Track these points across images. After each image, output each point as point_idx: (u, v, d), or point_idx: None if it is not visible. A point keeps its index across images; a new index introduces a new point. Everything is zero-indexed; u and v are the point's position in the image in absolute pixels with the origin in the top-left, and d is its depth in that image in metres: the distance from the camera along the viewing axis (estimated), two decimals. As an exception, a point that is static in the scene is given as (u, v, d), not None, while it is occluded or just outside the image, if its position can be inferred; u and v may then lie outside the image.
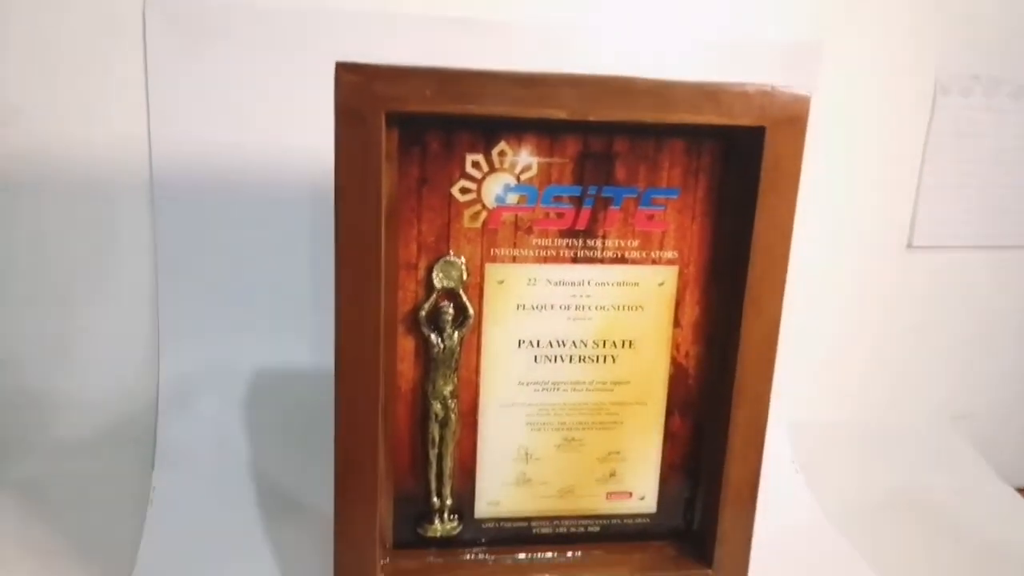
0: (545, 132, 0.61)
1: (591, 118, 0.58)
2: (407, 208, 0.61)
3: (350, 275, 0.59)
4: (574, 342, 0.66)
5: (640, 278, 0.65)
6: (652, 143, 0.63)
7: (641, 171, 0.63)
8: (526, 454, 0.68)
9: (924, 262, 1.04)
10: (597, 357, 0.67)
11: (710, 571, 0.70)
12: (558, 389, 0.67)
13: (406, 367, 0.65)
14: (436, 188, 0.61)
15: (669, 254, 0.65)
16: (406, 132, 0.60)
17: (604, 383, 0.68)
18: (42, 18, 0.81)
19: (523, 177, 0.62)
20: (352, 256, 0.59)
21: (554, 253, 0.64)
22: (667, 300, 0.66)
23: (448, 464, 0.67)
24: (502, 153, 0.61)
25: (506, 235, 0.63)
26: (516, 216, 0.63)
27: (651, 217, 0.64)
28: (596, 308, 0.66)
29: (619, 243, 0.64)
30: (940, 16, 0.97)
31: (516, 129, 0.61)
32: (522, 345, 0.66)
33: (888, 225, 1.03)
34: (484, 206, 0.62)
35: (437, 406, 0.65)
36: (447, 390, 0.65)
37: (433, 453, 0.67)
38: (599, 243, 0.64)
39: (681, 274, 0.66)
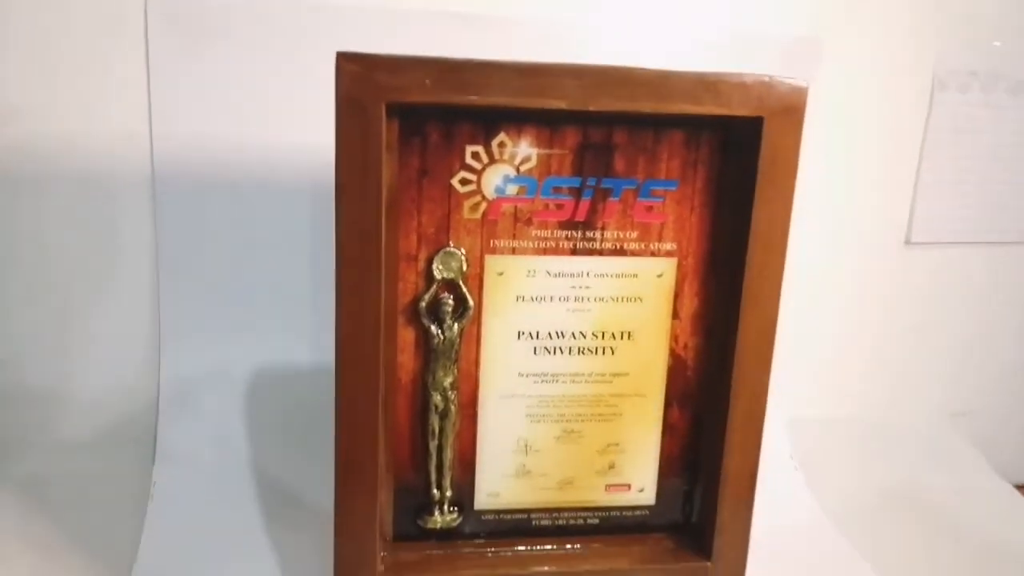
0: (544, 123, 0.61)
1: (591, 108, 0.59)
2: (407, 199, 0.62)
3: (351, 266, 0.59)
4: (573, 334, 0.66)
5: (639, 270, 0.66)
6: (651, 134, 0.63)
7: (640, 163, 0.63)
8: (525, 446, 0.68)
9: (922, 258, 1.04)
10: (596, 349, 0.67)
11: (709, 563, 0.70)
12: (557, 381, 0.67)
13: (406, 358, 0.65)
14: (436, 179, 0.62)
15: (668, 246, 0.66)
16: (406, 123, 0.60)
17: (603, 375, 0.68)
18: (46, 18, 0.82)
19: (523, 168, 0.62)
20: (353, 247, 0.59)
21: (553, 244, 0.64)
22: (666, 292, 0.67)
23: (448, 456, 0.67)
24: (502, 144, 0.61)
25: (506, 226, 0.63)
26: (516, 207, 0.63)
27: (650, 209, 0.64)
28: (595, 300, 0.66)
29: (618, 235, 0.65)
30: (938, 12, 0.97)
31: (516, 120, 0.61)
32: (521, 337, 0.66)
33: (886, 221, 1.03)
34: (484, 197, 0.62)
35: (437, 397, 0.65)
36: (447, 381, 0.65)
37: (433, 445, 0.67)
38: (598, 235, 0.64)
39: (680, 266, 0.66)
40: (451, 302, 0.64)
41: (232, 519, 0.79)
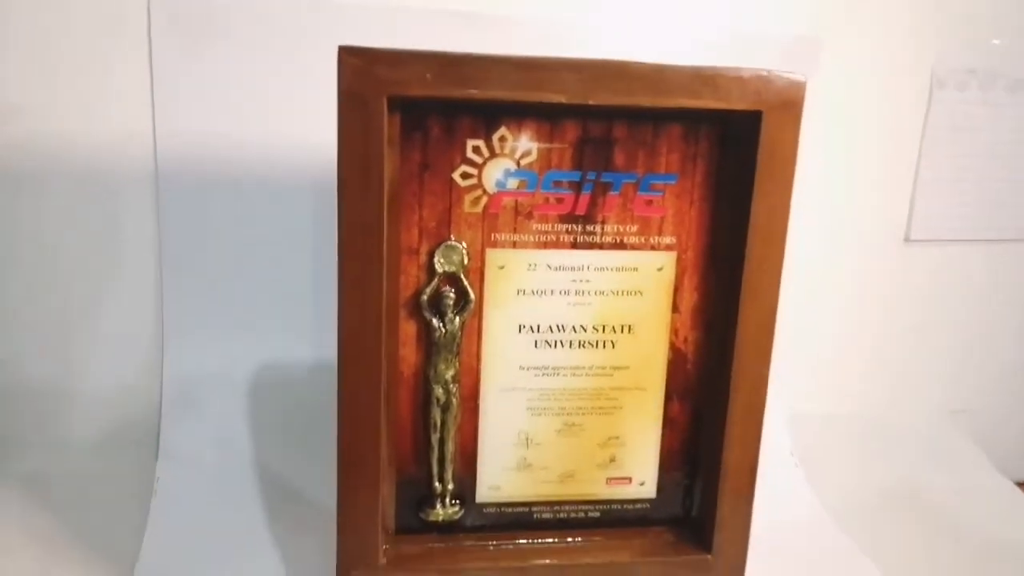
0: (545, 117, 0.62)
1: (590, 102, 0.59)
2: (409, 193, 0.62)
3: (353, 260, 0.60)
4: (574, 327, 0.67)
5: (639, 263, 0.66)
6: (650, 129, 0.63)
7: (640, 157, 0.64)
8: (527, 439, 0.69)
9: (921, 256, 1.05)
10: (596, 342, 0.67)
11: (709, 557, 0.70)
12: (558, 374, 0.68)
13: (408, 352, 0.65)
14: (437, 173, 0.62)
15: (667, 239, 0.66)
16: (408, 117, 0.60)
17: (604, 368, 0.68)
18: (49, 18, 0.82)
19: (523, 162, 0.63)
20: (355, 241, 0.59)
21: (554, 238, 0.64)
22: (666, 285, 0.67)
23: (450, 449, 0.67)
24: (502, 138, 0.62)
25: (506, 220, 0.64)
26: (516, 201, 0.63)
27: (650, 202, 0.65)
28: (595, 293, 0.66)
29: (618, 228, 0.65)
30: (937, 11, 0.98)
31: (516, 114, 0.61)
32: (522, 330, 0.66)
33: (886, 219, 1.03)
34: (485, 191, 0.63)
35: (439, 391, 0.66)
36: (449, 375, 0.66)
37: (435, 438, 0.67)
38: (598, 228, 0.65)
39: (679, 259, 0.67)
40: (452, 295, 0.64)
41: (234, 514, 0.79)
